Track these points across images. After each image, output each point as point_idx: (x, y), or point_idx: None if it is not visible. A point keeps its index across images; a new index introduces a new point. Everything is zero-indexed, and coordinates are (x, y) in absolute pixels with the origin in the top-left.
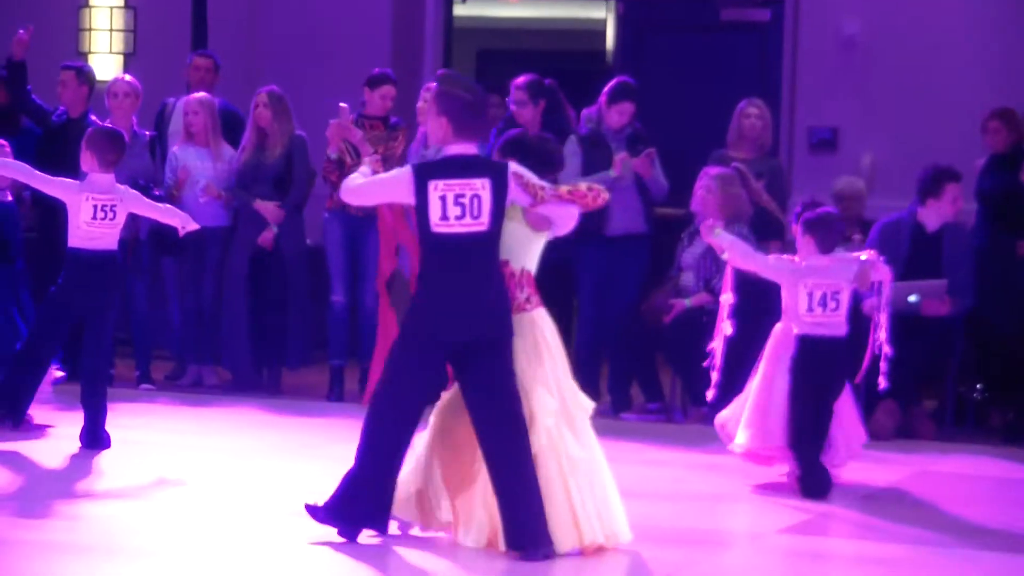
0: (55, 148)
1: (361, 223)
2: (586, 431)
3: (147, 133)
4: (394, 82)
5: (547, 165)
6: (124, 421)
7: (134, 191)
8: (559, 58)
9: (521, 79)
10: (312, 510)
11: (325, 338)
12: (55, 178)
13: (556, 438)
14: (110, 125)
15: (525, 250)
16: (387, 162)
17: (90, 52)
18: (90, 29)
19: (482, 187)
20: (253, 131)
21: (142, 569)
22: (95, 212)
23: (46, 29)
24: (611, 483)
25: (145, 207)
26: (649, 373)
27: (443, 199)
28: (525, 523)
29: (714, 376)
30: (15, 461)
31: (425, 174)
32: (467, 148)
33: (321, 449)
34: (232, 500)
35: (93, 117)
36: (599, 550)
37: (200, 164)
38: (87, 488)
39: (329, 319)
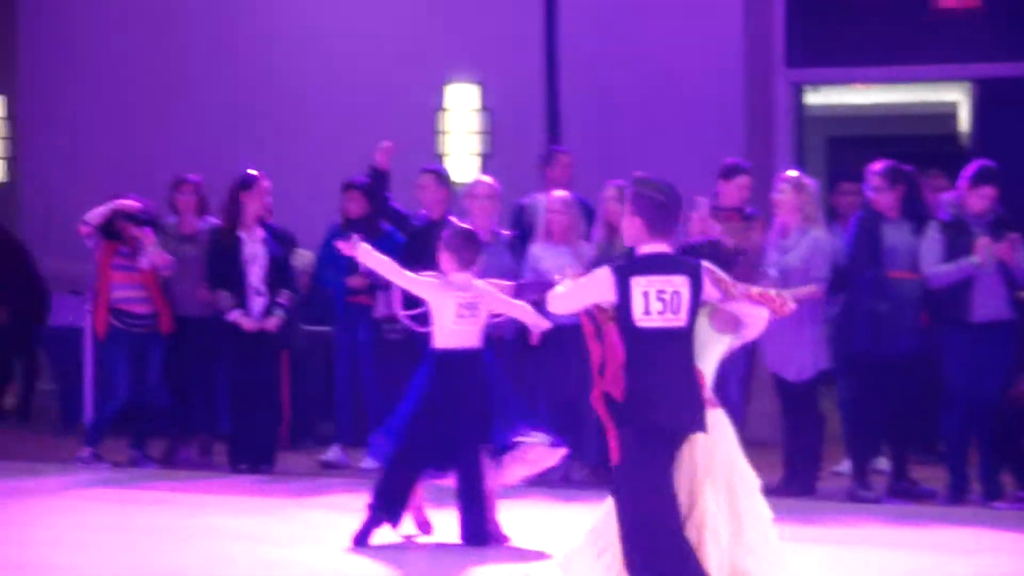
0: (418, 250)
1: None
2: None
3: (506, 233)
4: (748, 172)
5: (725, 267)
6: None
7: (489, 288)
8: (911, 142)
9: (878, 165)
10: None
11: None
12: (420, 276)
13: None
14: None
15: (707, 351)
16: (744, 254)
17: (446, 154)
18: (446, 132)
19: (682, 284)
20: (603, 225)
21: None
22: (458, 311)
23: (405, 134)
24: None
25: (501, 304)
26: (1020, 460)
27: (646, 295)
28: None
29: None
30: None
31: (627, 272)
32: (660, 247)
33: None
34: None
35: (453, 219)
36: None
37: (559, 262)
38: None
39: None
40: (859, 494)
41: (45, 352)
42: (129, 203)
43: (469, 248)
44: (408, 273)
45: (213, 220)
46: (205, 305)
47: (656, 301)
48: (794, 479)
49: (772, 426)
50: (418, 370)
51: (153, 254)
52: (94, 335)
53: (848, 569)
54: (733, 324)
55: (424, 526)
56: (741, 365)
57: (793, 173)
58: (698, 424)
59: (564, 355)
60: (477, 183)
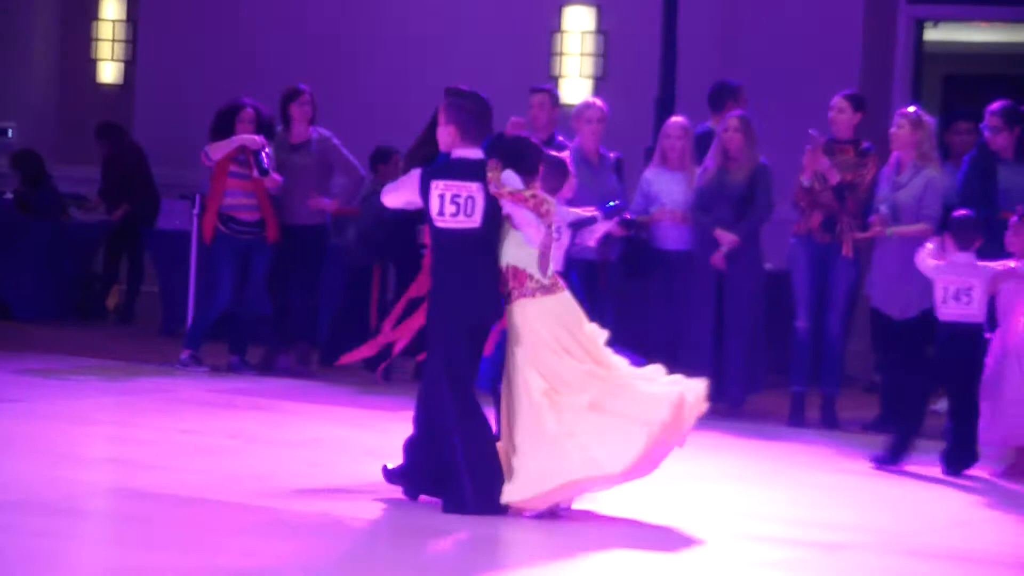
0: None
1: (828, 249)
2: (568, 410)
3: (612, 155)
4: (863, 106)
5: (519, 166)
6: None
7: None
8: None
9: (996, 105)
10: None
11: (784, 363)
12: None
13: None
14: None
15: (506, 247)
16: (856, 188)
17: (561, 76)
18: (562, 54)
19: (476, 190)
20: (719, 154)
21: None
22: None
23: (520, 55)
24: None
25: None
26: None
27: (441, 197)
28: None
29: None
30: None
31: (429, 176)
32: (471, 152)
33: (778, 475)
34: (684, 523)
35: (560, 139)
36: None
37: (672, 188)
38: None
39: (792, 344)
40: None
41: (151, 255)
42: (251, 139)
43: (555, 176)
44: None
45: (322, 130)
46: (313, 214)
47: (450, 204)
48: (891, 418)
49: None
50: None
51: (273, 177)
52: (200, 240)
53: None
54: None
55: None
56: (842, 301)
57: (911, 109)
58: (495, 314)
59: (670, 279)
60: (587, 105)
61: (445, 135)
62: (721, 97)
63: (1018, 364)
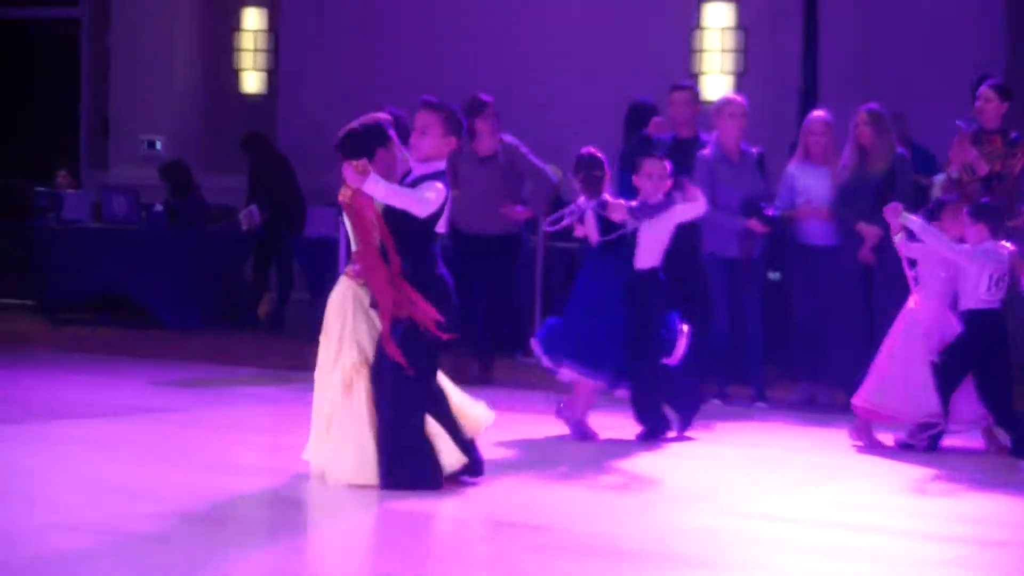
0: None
1: None
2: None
3: (755, 151)
4: (1010, 95)
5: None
6: (741, 439)
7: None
8: None
9: None
10: None
11: None
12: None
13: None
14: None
15: None
16: (1004, 179)
17: (701, 73)
18: (702, 50)
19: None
20: (855, 149)
21: None
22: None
23: (660, 52)
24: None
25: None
26: None
27: None
28: None
29: None
30: None
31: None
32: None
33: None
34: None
35: (704, 136)
36: None
37: (816, 183)
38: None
39: None
40: None
41: (299, 263)
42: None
43: (594, 171)
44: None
45: (508, 138)
46: (507, 223)
47: None
48: None
49: None
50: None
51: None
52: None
53: None
54: None
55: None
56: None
57: None
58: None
59: (815, 274)
60: (727, 100)
61: (444, 146)
62: (637, 116)
63: None
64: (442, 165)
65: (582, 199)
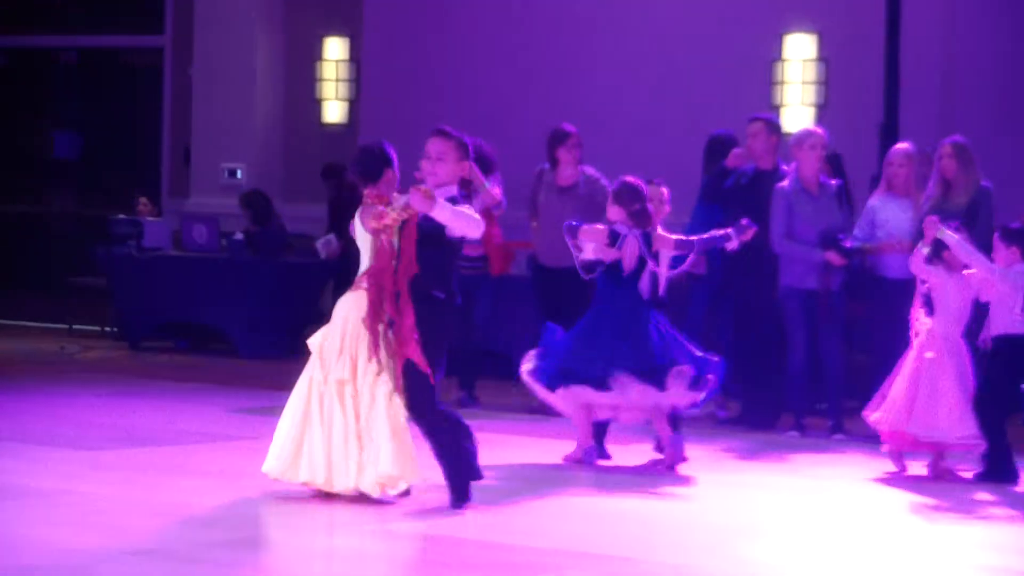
0: (746, 200)
1: None
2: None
3: (834, 183)
4: None
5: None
6: (813, 471)
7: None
8: None
9: None
10: None
11: None
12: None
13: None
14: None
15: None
16: None
17: (783, 105)
18: (783, 82)
19: None
20: (939, 181)
21: None
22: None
23: (741, 84)
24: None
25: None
26: None
27: None
28: None
29: None
30: None
31: None
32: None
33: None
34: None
35: (784, 168)
36: None
37: (898, 215)
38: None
39: None
40: None
41: None
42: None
43: (635, 200)
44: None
45: (590, 170)
46: None
47: None
48: None
49: None
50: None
51: (485, 196)
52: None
53: None
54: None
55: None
56: None
57: None
58: None
59: (892, 307)
60: (807, 133)
61: (458, 171)
62: (716, 148)
63: None
64: (455, 190)
65: (622, 227)
